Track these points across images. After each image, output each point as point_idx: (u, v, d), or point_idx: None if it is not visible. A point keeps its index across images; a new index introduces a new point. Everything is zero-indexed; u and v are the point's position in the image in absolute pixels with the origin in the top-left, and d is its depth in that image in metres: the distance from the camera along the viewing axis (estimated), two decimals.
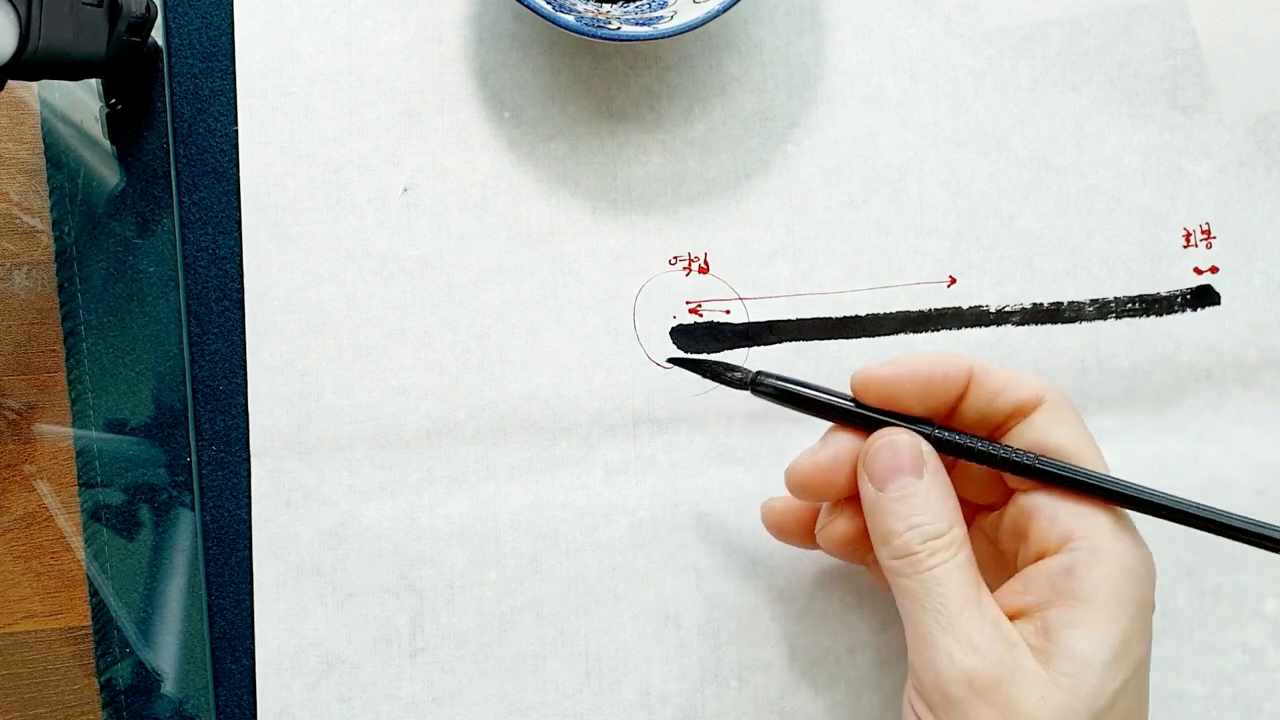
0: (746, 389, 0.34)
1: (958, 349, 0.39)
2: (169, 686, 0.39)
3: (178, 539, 0.39)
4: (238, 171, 0.39)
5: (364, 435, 0.38)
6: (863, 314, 0.39)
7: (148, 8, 0.37)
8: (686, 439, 0.39)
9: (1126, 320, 0.39)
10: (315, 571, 0.38)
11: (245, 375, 0.38)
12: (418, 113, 0.39)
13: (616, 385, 0.39)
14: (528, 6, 0.35)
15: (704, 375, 0.35)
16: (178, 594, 0.39)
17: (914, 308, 0.39)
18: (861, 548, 0.33)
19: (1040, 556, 0.30)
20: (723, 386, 0.38)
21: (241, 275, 0.38)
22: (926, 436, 0.31)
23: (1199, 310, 0.39)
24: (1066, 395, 0.31)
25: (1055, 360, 0.39)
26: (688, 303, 0.39)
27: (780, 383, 0.33)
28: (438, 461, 0.38)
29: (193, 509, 0.39)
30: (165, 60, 0.39)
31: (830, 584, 0.39)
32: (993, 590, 0.30)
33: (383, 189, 0.39)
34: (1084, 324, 0.39)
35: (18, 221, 0.39)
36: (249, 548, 0.38)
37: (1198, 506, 0.30)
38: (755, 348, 0.39)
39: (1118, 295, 0.39)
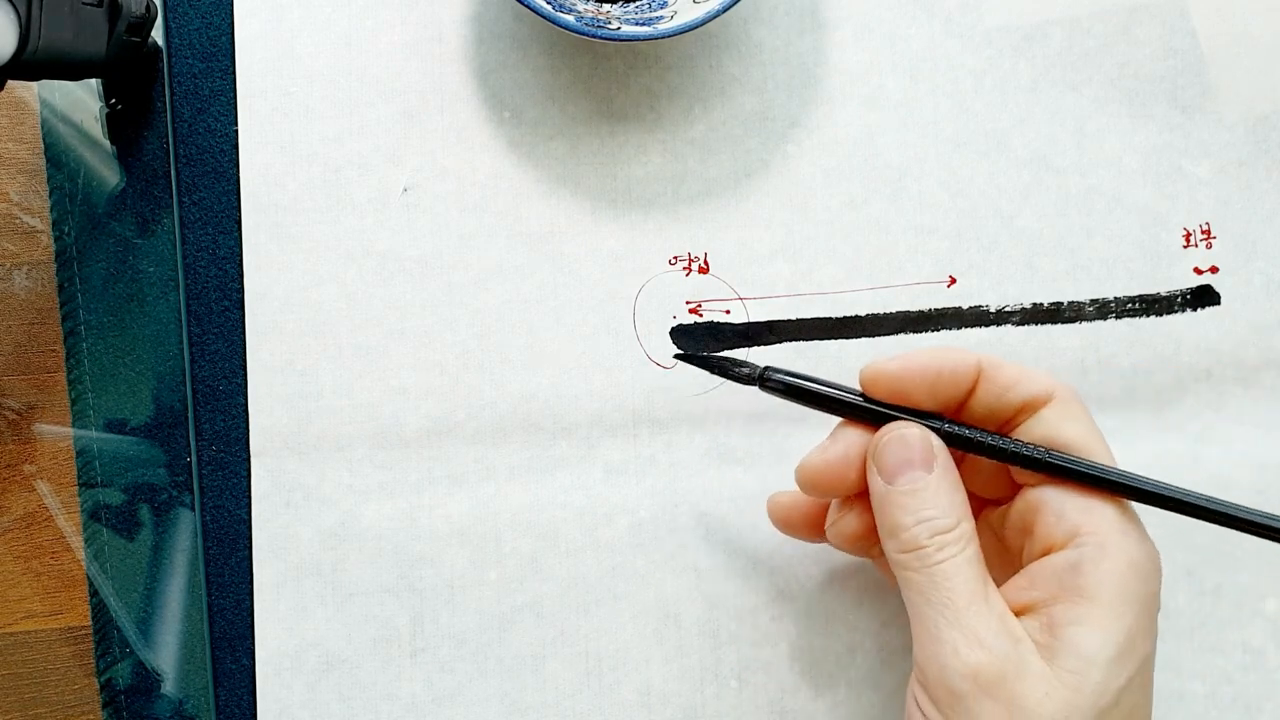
0: (755, 384, 0.33)
1: None
2: (169, 686, 0.39)
3: (178, 539, 0.39)
4: (238, 171, 0.39)
5: (364, 435, 0.38)
6: (863, 314, 0.39)
7: (148, 8, 0.37)
8: (686, 439, 0.39)
9: (1126, 320, 0.39)
10: (315, 571, 0.38)
11: (245, 375, 0.38)
12: (418, 113, 0.39)
13: (616, 385, 0.39)
14: (528, 6, 0.35)
15: (711, 371, 0.35)
16: (178, 594, 0.39)
17: (914, 308, 0.39)
18: (871, 542, 0.33)
19: (1046, 552, 0.30)
20: (722, 386, 0.38)
21: (241, 275, 0.38)
22: (937, 431, 0.31)
23: (1199, 310, 0.39)
24: (1076, 391, 0.31)
25: (1055, 360, 0.39)
26: (688, 303, 0.39)
27: (789, 378, 0.33)
28: (438, 461, 0.38)
29: (193, 509, 0.39)
30: (165, 60, 0.39)
31: (830, 584, 0.39)
32: (998, 585, 0.30)
33: (383, 189, 0.39)
34: (1084, 324, 0.39)
35: (18, 221, 0.39)
36: (249, 548, 0.38)
37: (1209, 500, 0.30)
38: (755, 348, 0.39)
39: (1118, 295, 0.39)
